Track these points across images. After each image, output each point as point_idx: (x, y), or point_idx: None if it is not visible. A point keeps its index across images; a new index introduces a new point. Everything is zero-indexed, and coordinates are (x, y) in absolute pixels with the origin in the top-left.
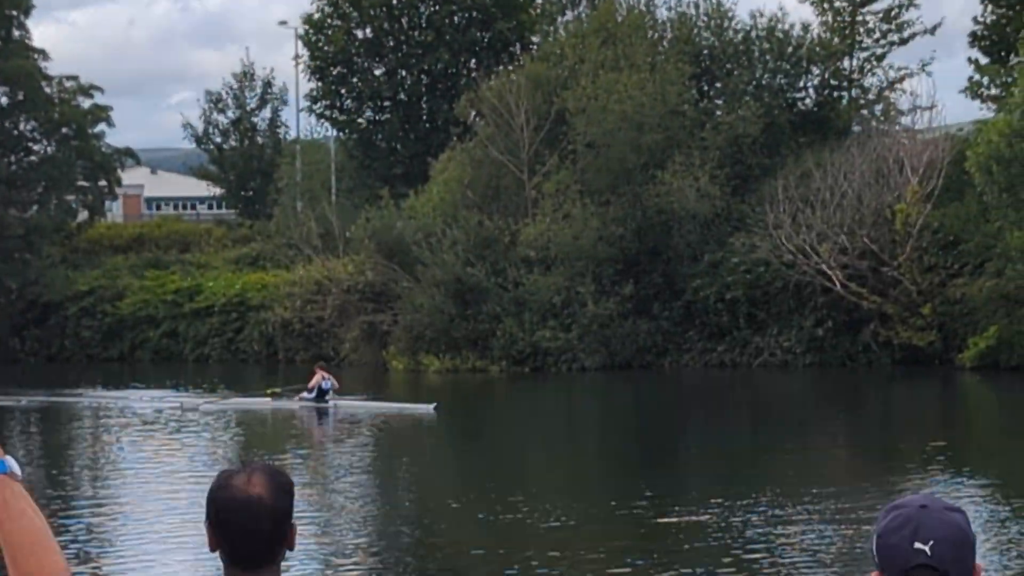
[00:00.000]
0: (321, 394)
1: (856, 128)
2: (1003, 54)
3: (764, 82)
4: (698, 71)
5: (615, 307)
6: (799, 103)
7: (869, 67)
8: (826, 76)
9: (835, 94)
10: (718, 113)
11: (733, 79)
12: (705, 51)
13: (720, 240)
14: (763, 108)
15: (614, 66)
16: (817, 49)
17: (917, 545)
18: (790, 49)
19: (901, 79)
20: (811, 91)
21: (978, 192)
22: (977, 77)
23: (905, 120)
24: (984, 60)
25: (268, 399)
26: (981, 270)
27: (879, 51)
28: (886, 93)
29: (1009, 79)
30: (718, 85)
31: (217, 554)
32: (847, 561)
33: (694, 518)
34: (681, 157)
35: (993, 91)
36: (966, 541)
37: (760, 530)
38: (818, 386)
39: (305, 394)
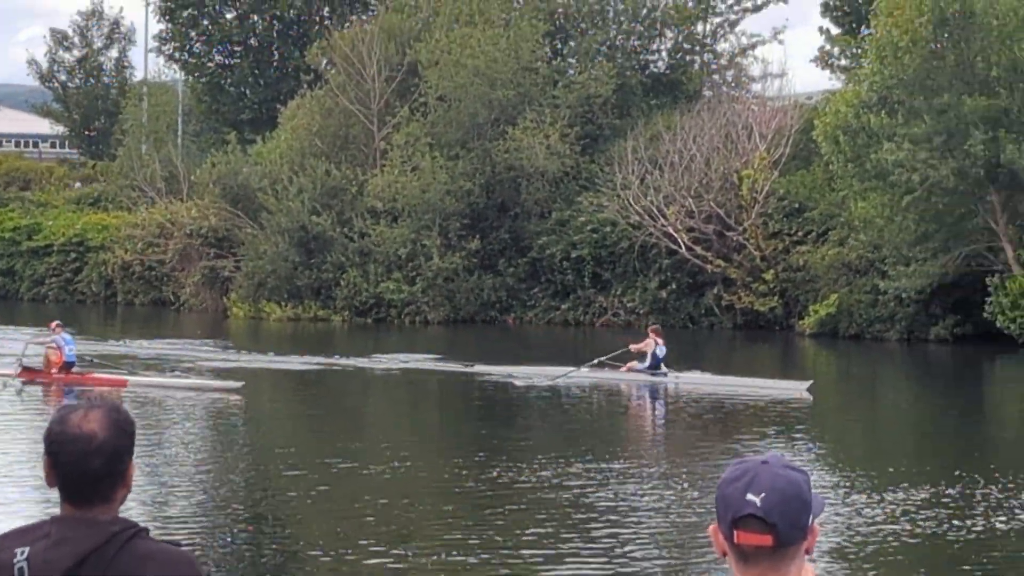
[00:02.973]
0: (656, 363)
1: (707, 93)
2: (854, 25)
3: (618, 43)
4: (552, 29)
5: (461, 261)
6: (651, 65)
7: (722, 32)
8: (679, 40)
9: (687, 58)
10: (571, 72)
11: (587, 39)
12: (560, 9)
13: (568, 199)
14: (616, 69)
15: (469, 20)
16: (671, 12)
17: (749, 496)
18: (644, 11)
19: (753, 46)
20: (664, 54)
21: (824, 161)
22: (828, 47)
23: (756, 87)
24: (835, 30)
25: (586, 369)
26: (825, 238)
27: (732, 17)
28: (738, 59)
29: (859, 50)
30: (572, 44)
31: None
32: (673, 515)
33: (523, 477)
34: (532, 114)
35: (843, 62)
36: (799, 498)
37: (590, 489)
38: None
39: (636, 364)
